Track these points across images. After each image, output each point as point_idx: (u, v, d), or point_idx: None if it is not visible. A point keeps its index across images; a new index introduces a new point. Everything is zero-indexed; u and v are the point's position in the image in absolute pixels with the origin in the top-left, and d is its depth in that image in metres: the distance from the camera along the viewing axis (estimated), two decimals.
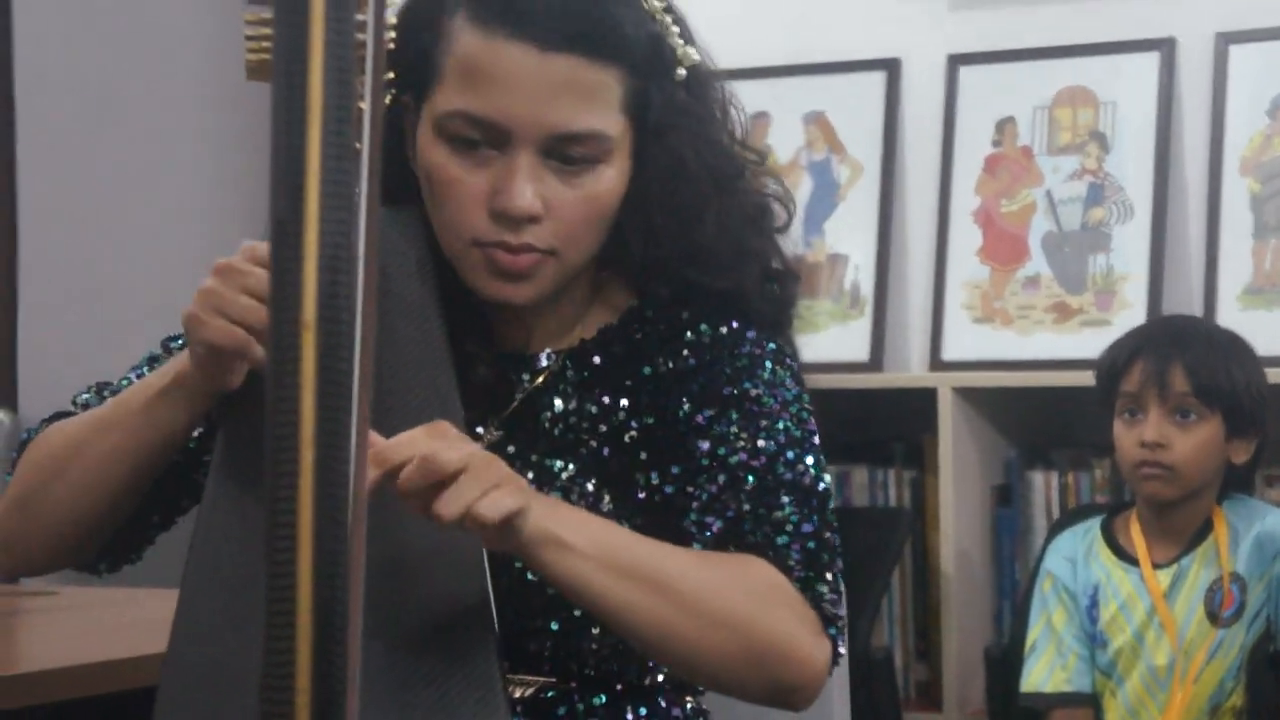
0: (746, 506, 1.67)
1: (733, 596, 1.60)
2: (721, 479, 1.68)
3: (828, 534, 1.68)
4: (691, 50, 1.73)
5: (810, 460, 1.70)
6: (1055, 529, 3.42)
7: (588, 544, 1.55)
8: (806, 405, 1.73)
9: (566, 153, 1.66)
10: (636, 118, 1.70)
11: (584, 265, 1.71)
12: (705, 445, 1.69)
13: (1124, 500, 3.44)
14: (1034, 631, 3.27)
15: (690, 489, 1.69)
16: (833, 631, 1.66)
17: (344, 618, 1.15)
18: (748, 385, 1.71)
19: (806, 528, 1.67)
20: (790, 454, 1.69)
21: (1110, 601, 3.22)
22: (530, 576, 1.63)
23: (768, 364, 1.72)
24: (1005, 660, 3.45)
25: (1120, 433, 3.20)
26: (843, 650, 1.67)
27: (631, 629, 1.59)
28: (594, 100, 1.66)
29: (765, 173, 1.80)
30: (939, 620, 3.79)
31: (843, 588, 1.69)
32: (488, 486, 1.48)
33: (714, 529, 1.67)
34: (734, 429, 1.69)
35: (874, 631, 3.79)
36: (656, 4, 1.72)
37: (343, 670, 1.14)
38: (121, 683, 2.25)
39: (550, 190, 1.66)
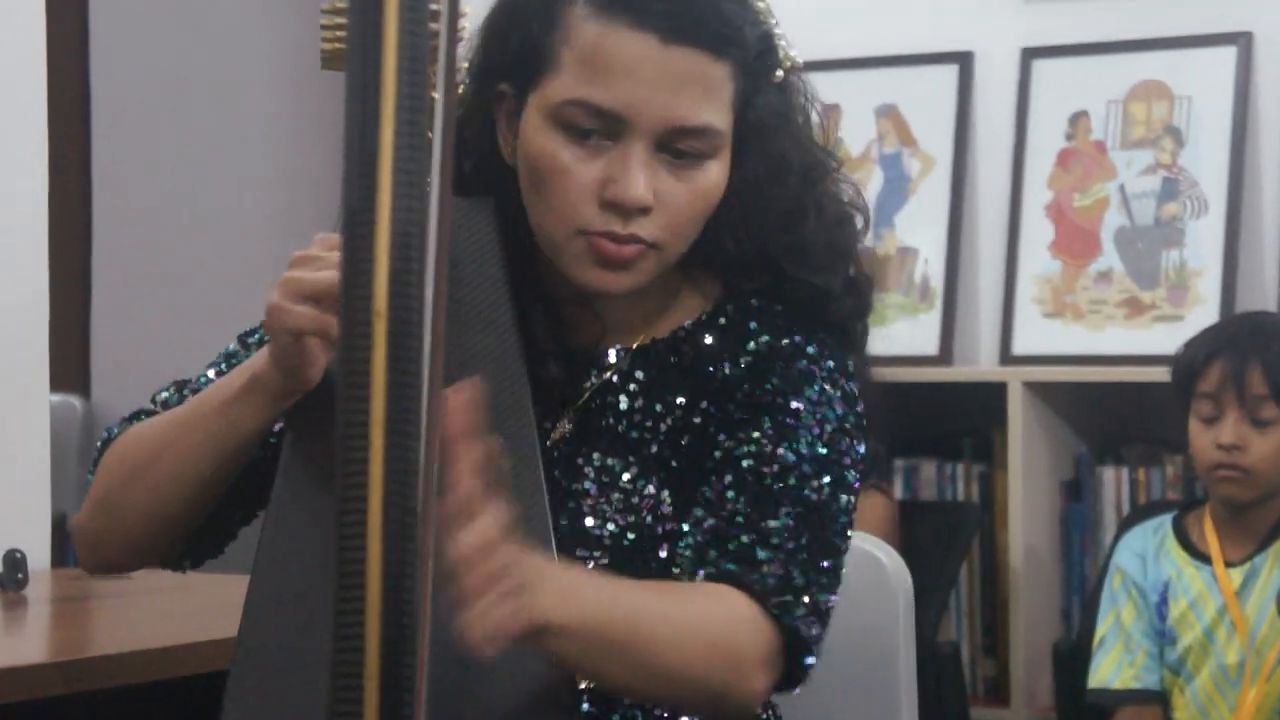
0: (743, 509, 1.66)
1: (694, 652, 1.61)
2: (729, 477, 1.68)
3: (819, 557, 1.67)
4: (795, 53, 1.74)
5: (827, 480, 1.68)
6: (1125, 525, 3.40)
7: (577, 621, 1.55)
8: (849, 429, 1.71)
9: (678, 146, 1.66)
10: (738, 115, 1.70)
11: (678, 258, 1.72)
12: (725, 440, 1.69)
13: (1196, 497, 3.42)
14: (1103, 627, 3.26)
15: (703, 487, 1.69)
16: (806, 658, 1.65)
17: (413, 604, 1.16)
18: (791, 398, 1.70)
19: (792, 545, 1.65)
20: (807, 468, 1.67)
21: (1180, 598, 3.21)
22: None
23: (818, 383, 1.71)
24: (1073, 656, 3.44)
25: (1196, 433, 3.18)
26: (811, 660, 1.66)
27: (605, 687, 1.65)
28: (712, 94, 1.67)
29: (843, 178, 1.80)
30: (1007, 615, 3.77)
31: (828, 605, 1.67)
32: (504, 600, 1.47)
33: (706, 525, 1.66)
34: (757, 433, 1.69)
35: (941, 626, 3.78)
36: (762, 4, 1.73)
37: (412, 651, 1.14)
38: (193, 666, 2.27)
39: (661, 183, 1.66)
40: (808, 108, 1.78)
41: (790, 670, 1.66)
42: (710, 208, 1.70)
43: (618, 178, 1.65)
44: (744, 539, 1.65)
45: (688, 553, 1.67)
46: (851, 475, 1.71)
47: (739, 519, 1.66)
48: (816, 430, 1.69)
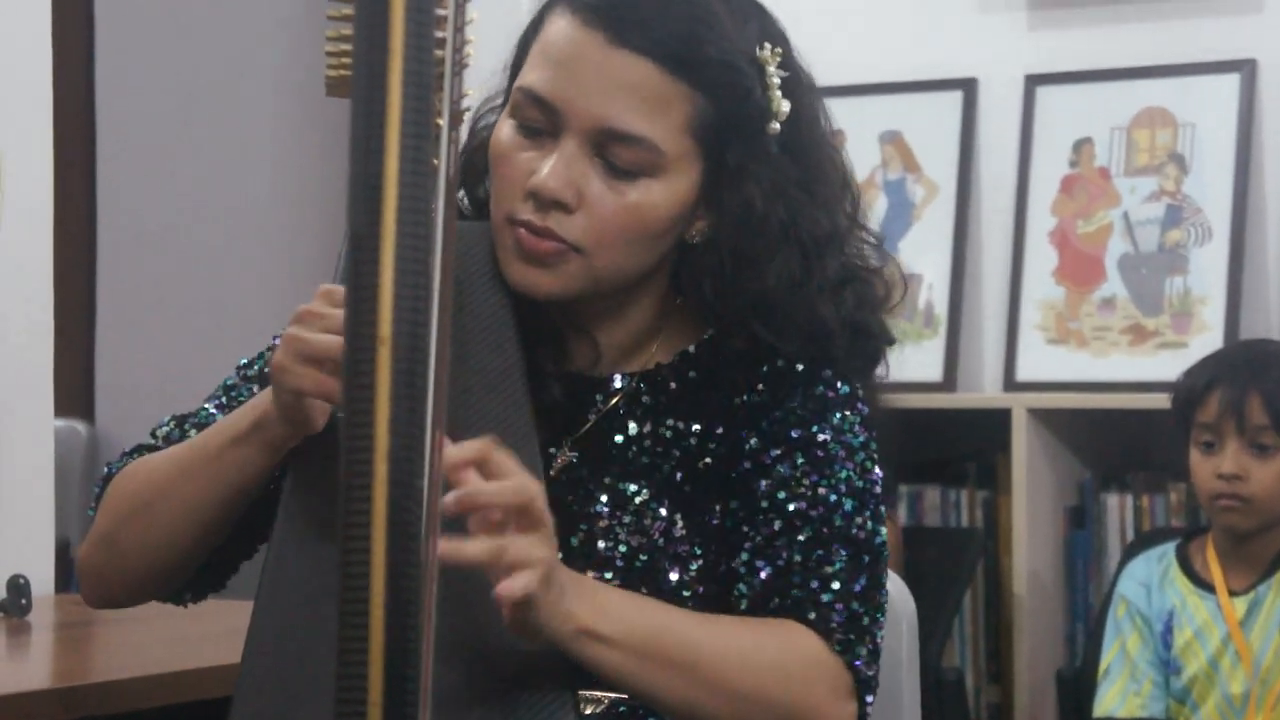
0: (798, 557, 1.66)
1: (763, 672, 1.61)
2: (777, 524, 1.67)
3: (875, 592, 1.67)
4: (785, 104, 1.71)
5: (869, 514, 1.69)
6: (1129, 553, 3.40)
7: (622, 632, 1.56)
8: (872, 453, 1.71)
9: (614, 155, 1.66)
10: (711, 152, 1.69)
11: (620, 279, 1.70)
12: (765, 486, 1.69)
13: (1199, 525, 3.41)
14: (1108, 656, 3.25)
15: (745, 529, 1.69)
16: (867, 696, 1.66)
17: (416, 630, 1.16)
18: (816, 429, 1.69)
19: (854, 586, 1.66)
20: (849, 505, 1.68)
21: (1185, 628, 3.20)
22: None
23: (839, 408, 1.71)
24: (1077, 682, 3.43)
25: (1197, 463, 3.18)
26: (870, 700, 1.66)
27: (662, 707, 1.62)
28: (653, 109, 1.66)
29: (882, 255, 1.78)
30: (1011, 642, 3.77)
31: (880, 648, 1.68)
32: (513, 559, 1.48)
33: (762, 575, 1.66)
34: (797, 473, 1.68)
35: (945, 652, 3.78)
36: (769, 55, 1.71)
37: (415, 679, 1.14)
38: (195, 693, 2.26)
39: (589, 186, 1.66)
40: (843, 178, 1.75)
41: (859, 711, 1.66)
42: (648, 228, 1.68)
43: (539, 168, 1.66)
44: (811, 584, 1.66)
45: (743, 603, 1.67)
46: (882, 507, 1.71)
47: (796, 566, 1.66)
48: (849, 463, 1.69)
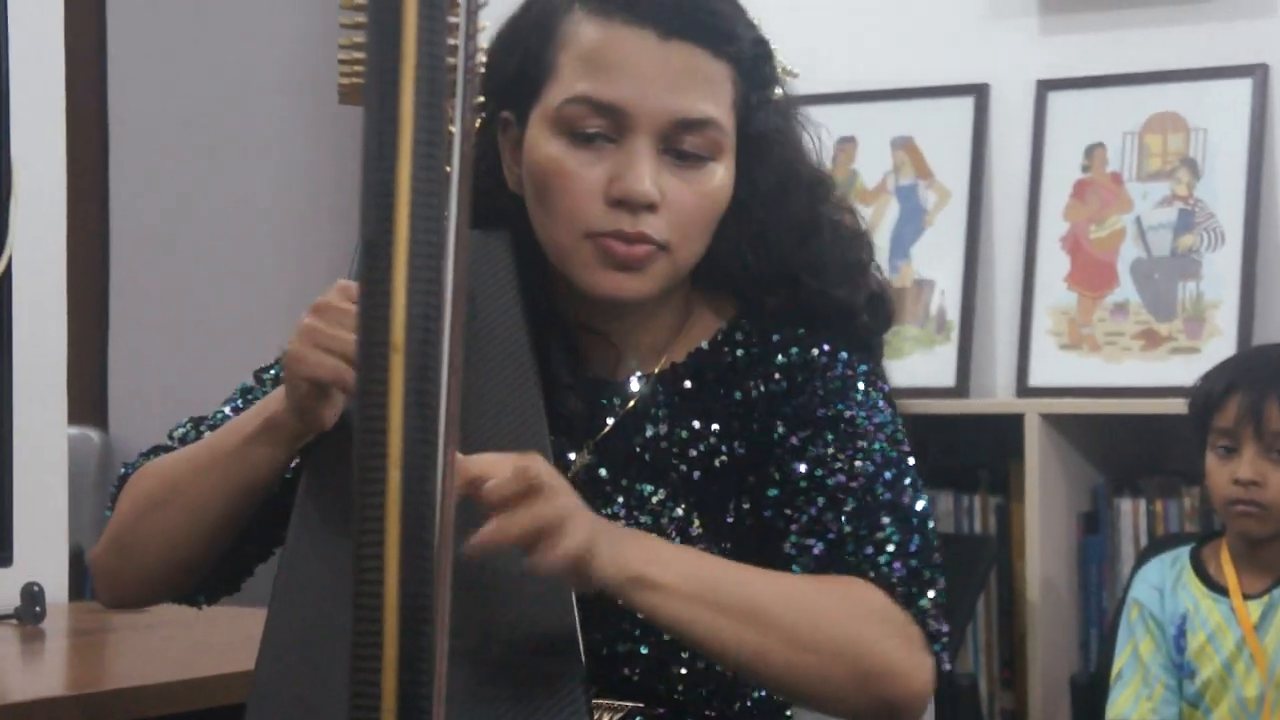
0: (848, 528, 1.66)
1: (834, 620, 1.59)
2: (821, 501, 1.67)
3: (930, 552, 1.68)
4: (794, 69, 1.75)
5: (908, 481, 1.70)
6: (1143, 557, 3.39)
7: (678, 579, 1.54)
8: (900, 427, 1.73)
9: (682, 144, 1.67)
10: (741, 123, 1.71)
11: (690, 267, 1.72)
12: (802, 468, 1.69)
13: (1213, 529, 3.41)
14: (1120, 660, 3.25)
15: (788, 511, 1.68)
16: (937, 648, 1.65)
17: (430, 638, 1.16)
18: (841, 406, 1.70)
19: (909, 546, 1.66)
20: (888, 474, 1.68)
21: (1198, 631, 3.20)
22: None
23: (860, 385, 1.72)
24: (1091, 688, 3.42)
25: (1213, 468, 3.17)
26: (947, 666, 1.66)
27: (730, 660, 1.59)
28: (712, 90, 1.68)
29: (843, 201, 1.81)
30: (1024, 648, 3.76)
31: (944, 603, 1.68)
32: (548, 522, 1.48)
33: (815, 551, 1.66)
34: (830, 450, 1.69)
35: (959, 659, 3.77)
36: (753, 18, 1.75)
37: (429, 687, 1.14)
38: (210, 700, 2.27)
39: (666, 183, 1.67)
40: (804, 128, 1.79)
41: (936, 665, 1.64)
42: (717, 211, 1.70)
43: (623, 174, 1.66)
44: (866, 550, 1.65)
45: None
46: (920, 479, 1.71)
47: (848, 537, 1.66)
48: (879, 435, 1.70)
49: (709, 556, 1.62)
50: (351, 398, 1.60)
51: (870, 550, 1.65)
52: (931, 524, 1.70)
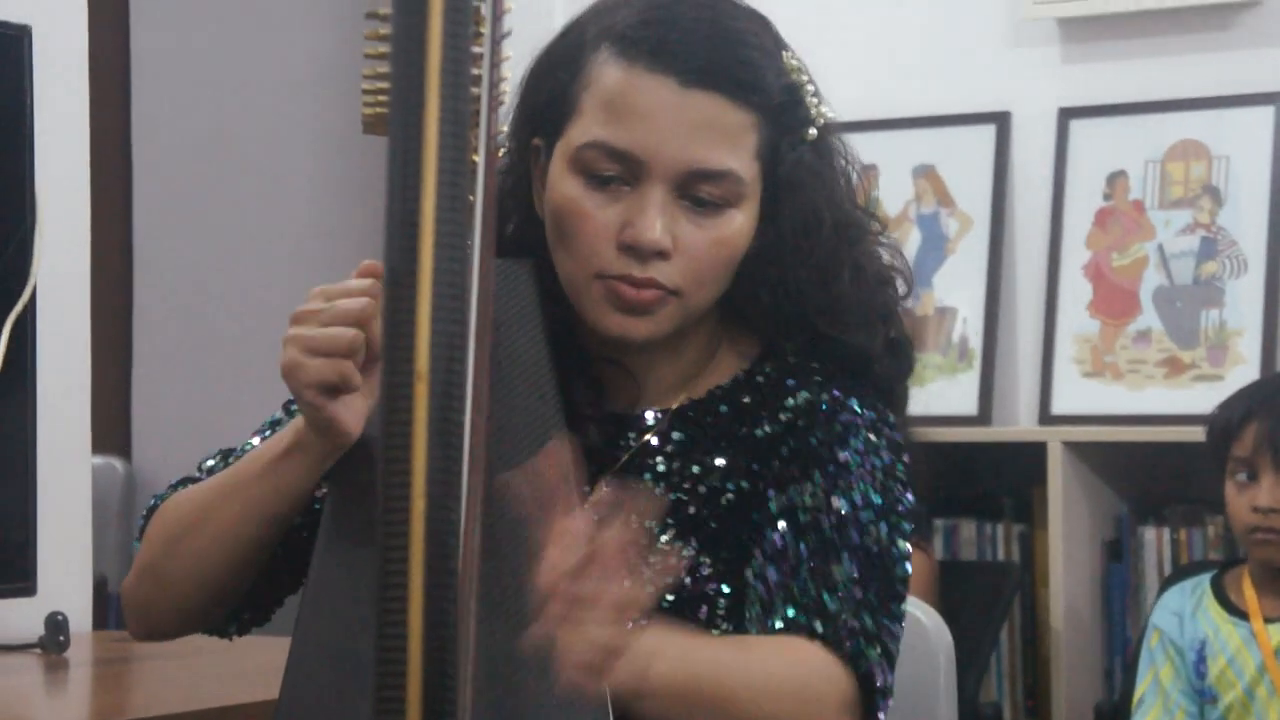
0: (809, 562, 1.66)
1: (784, 699, 1.60)
2: (788, 530, 1.67)
3: (891, 600, 1.67)
4: (826, 110, 1.74)
5: (884, 529, 1.68)
6: (1165, 585, 3.39)
7: (659, 688, 1.54)
8: (898, 476, 1.71)
9: (699, 192, 1.67)
10: (767, 168, 1.71)
11: (705, 310, 1.72)
12: (777, 495, 1.69)
13: (1237, 557, 3.40)
14: (1141, 687, 3.24)
15: (759, 536, 1.69)
16: (880, 701, 1.64)
17: (454, 665, 1.16)
18: (837, 449, 1.70)
19: (859, 593, 1.65)
20: (864, 517, 1.68)
21: (1219, 656, 3.19)
22: None
23: (863, 432, 1.71)
24: (1115, 716, 3.42)
25: (1232, 495, 3.17)
26: (885, 706, 1.65)
27: None
28: (731, 141, 1.67)
29: (885, 242, 1.80)
30: (1048, 676, 3.76)
31: (896, 653, 1.66)
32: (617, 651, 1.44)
33: (770, 579, 1.66)
34: (810, 485, 1.69)
35: (983, 687, 3.76)
36: (794, 62, 1.73)
37: (454, 717, 1.14)
38: None
39: (680, 229, 1.67)
40: (847, 168, 1.78)
41: (867, 718, 1.65)
42: (734, 257, 1.70)
43: (634, 221, 1.66)
44: (811, 589, 1.65)
45: (755, 607, 1.66)
46: (906, 524, 1.70)
47: (803, 571, 1.66)
48: (868, 480, 1.69)
49: (684, 637, 1.59)
50: (358, 393, 1.59)
51: (822, 589, 1.64)
52: (902, 572, 1.68)
